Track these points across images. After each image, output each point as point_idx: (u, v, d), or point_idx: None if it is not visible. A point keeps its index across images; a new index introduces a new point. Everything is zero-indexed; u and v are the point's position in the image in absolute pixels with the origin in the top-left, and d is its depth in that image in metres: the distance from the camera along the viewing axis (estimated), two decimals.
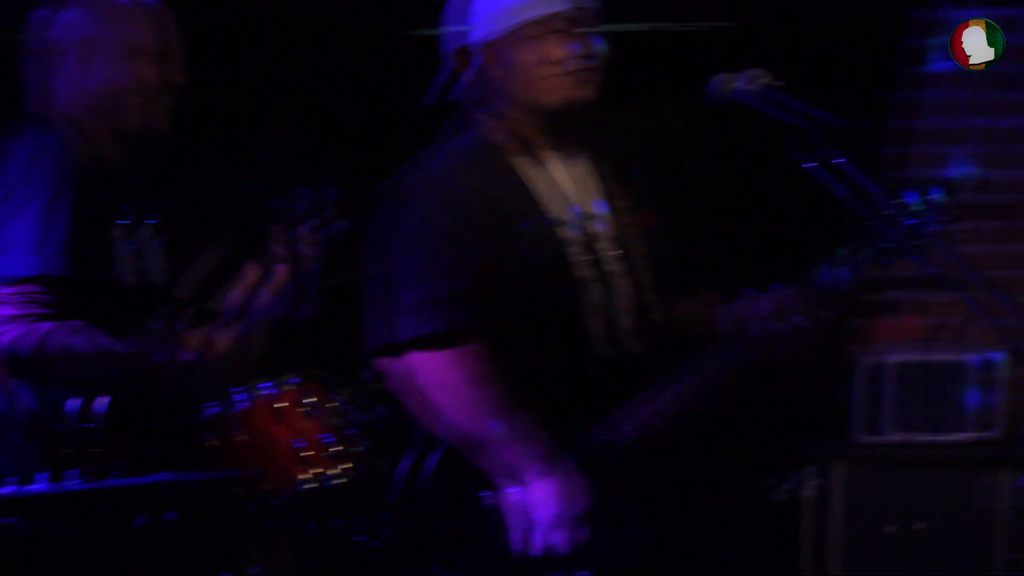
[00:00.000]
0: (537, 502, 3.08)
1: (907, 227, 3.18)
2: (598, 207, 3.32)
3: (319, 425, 3.50)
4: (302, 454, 3.46)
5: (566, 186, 3.29)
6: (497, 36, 3.20)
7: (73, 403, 2.87)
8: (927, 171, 5.14)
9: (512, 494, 3.09)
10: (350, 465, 3.50)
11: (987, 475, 4.94)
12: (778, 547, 5.04)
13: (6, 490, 2.76)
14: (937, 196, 3.27)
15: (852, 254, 3.17)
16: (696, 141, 5.07)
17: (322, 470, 3.47)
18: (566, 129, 3.28)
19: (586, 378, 3.21)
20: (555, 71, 3.19)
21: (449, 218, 3.14)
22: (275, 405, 3.47)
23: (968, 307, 3.18)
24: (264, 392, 3.47)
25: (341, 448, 3.50)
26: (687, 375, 3.20)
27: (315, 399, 3.52)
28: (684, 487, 3.39)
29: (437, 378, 3.12)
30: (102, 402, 2.88)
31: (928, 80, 5.20)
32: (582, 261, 3.24)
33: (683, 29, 5.11)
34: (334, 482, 3.47)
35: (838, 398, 5.19)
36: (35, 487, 2.79)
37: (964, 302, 3.20)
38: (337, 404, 3.55)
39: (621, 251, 3.30)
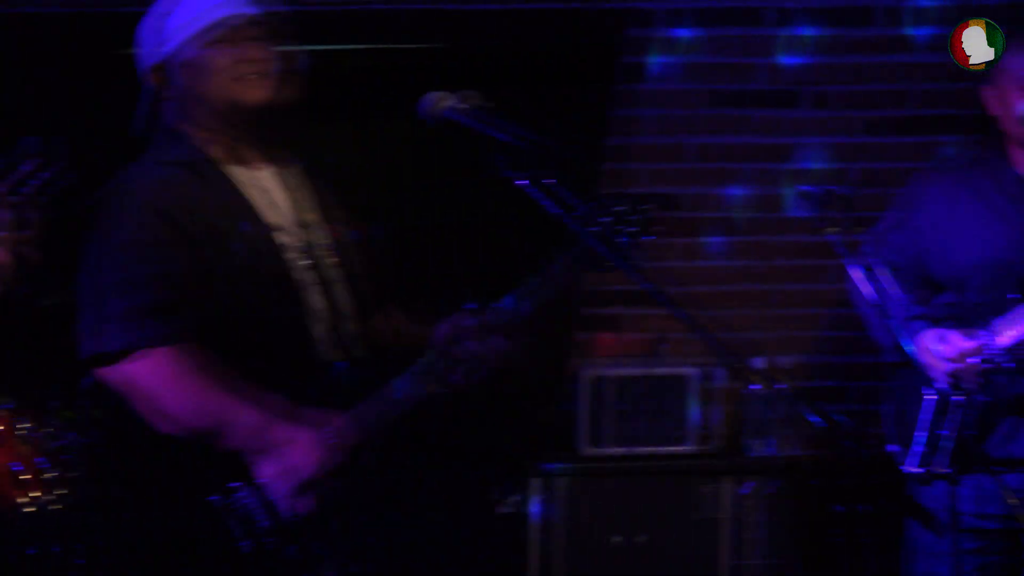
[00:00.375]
0: (277, 475, 3.14)
1: (616, 243, 3.34)
2: (311, 216, 3.41)
3: (35, 449, 3.47)
4: (21, 477, 3.43)
5: (279, 195, 3.35)
6: (182, 47, 3.26)
7: None
8: (644, 188, 5.28)
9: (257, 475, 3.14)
10: (66, 491, 3.48)
11: (710, 485, 5.10)
12: (506, 560, 5.11)
13: None
14: (645, 212, 3.43)
15: (536, 284, 3.31)
16: (410, 158, 5.11)
17: (39, 494, 3.44)
18: (275, 139, 3.35)
19: (306, 383, 3.26)
20: (229, 76, 3.24)
21: (155, 227, 3.15)
22: None
23: (684, 322, 3.34)
24: None
25: (57, 473, 3.48)
26: (391, 390, 3.30)
27: (30, 424, 3.49)
28: (405, 499, 3.49)
29: (153, 382, 3.13)
30: None
31: (644, 97, 5.29)
32: (298, 268, 3.30)
33: (402, 48, 5.16)
34: (51, 507, 3.45)
35: (562, 411, 5.28)
36: None
37: (679, 317, 3.36)
38: (52, 429, 3.53)
39: (334, 259, 3.39)
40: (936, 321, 4.02)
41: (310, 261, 3.33)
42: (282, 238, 3.31)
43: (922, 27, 5.23)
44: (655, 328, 5.30)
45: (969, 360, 4.04)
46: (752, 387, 5.20)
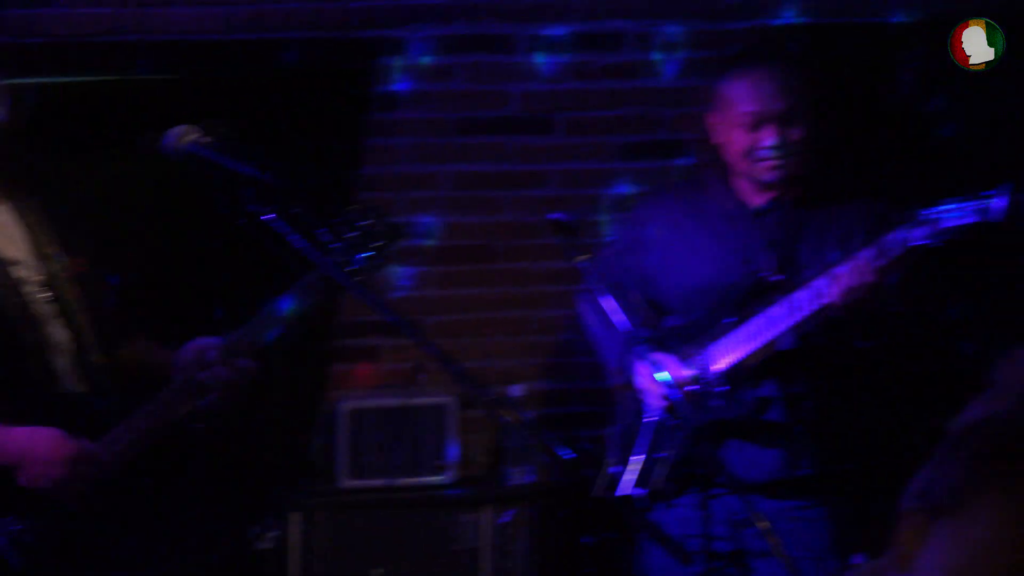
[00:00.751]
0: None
1: (357, 272, 3.40)
2: (51, 249, 3.39)
3: None
4: None
5: (16, 229, 3.35)
6: None
7: None
8: (401, 217, 5.28)
9: None
10: None
11: (470, 514, 5.14)
12: None
13: None
14: (392, 226, 3.50)
15: (278, 308, 3.34)
16: (151, 192, 5.06)
17: None
18: (11, 173, 3.33)
19: (51, 415, 3.29)
20: None
21: None
22: None
23: (435, 352, 3.40)
24: None
25: None
26: (138, 418, 3.31)
27: None
28: (160, 533, 3.47)
29: None
30: None
31: (398, 126, 5.32)
32: (37, 301, 3.31)
33: (146, 80, 5.11)
34: None
35: (321, 444, 5.29)
36: None
37: (428, 348, 3.41)
38: None
39: (77, 292, 3.37)
40: (659, 344, 4.09)
41: (50, 294, 3.32)
42: (19, 272, 3.29)
43: (672, 52, 5.32)
44: (413, 358, 5.29)
45: (685, 385, 4.11)
46: (519, 413, 5.25)
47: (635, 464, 4.23)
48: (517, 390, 5.35)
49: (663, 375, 4.18)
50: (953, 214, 4.04)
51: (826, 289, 4.11)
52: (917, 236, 4.07)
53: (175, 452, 3.49)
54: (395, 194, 5.36)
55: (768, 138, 4.29)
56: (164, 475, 3.54)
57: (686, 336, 4.36)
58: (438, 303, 5.47)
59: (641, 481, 4.19)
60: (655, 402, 4.30)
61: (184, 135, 3.26)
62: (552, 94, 5.35)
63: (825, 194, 4.43)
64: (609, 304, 4.48)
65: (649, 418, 4.36)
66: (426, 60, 5.24)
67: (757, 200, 4.41)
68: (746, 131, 4.31)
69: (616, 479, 4.44)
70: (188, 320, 3.56)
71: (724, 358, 4.30)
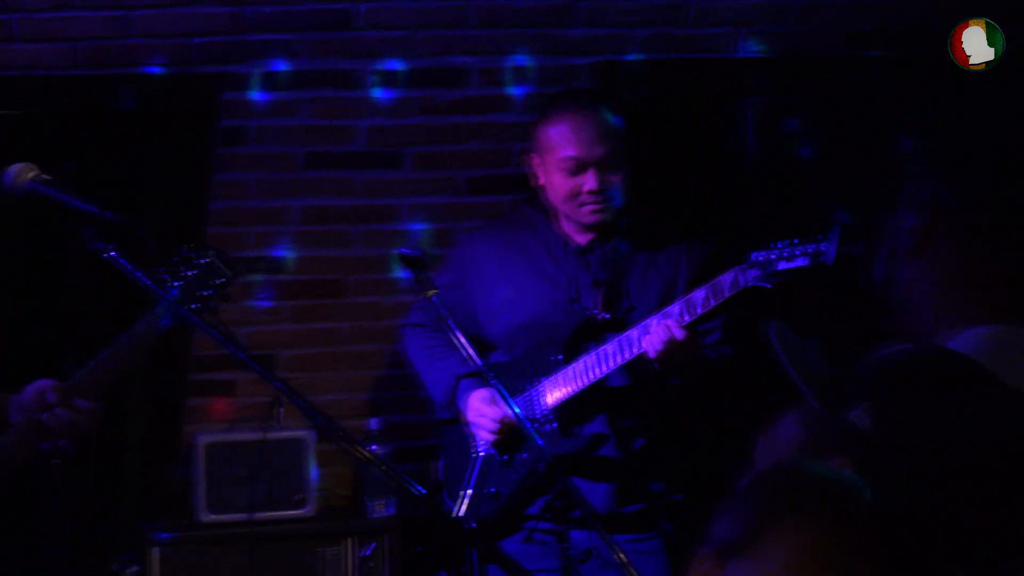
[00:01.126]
0: None
1: (201, 308, 3.46)
2: None
3: None
4: None
5: None
6: None
7: None
8: (251, 251, 5.33)
9: None
10: None
11: (332, 547, 5.15)
12: None
13: None
14: (229, 262, 3.57)
15: (118, 347, 3.40)
16: None
17: None
18: None
19: None
20: None
21: None
22: None
23: (283, 388, 3.45)
24: None
25: None
26: None
27: None
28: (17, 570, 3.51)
29: None
30: None
31: (245, 161, 5.33)
32: None
33: None
34: None
35: (179, 479, 5.29)
36: None
37: (275, 384, 3.47)
38: None
39: None
40: (485, 381, 4.11)
41: None
42: None
43: (519, 86, 5.38)
44: (271, 392, 5.23)
45: (511, 422, 4.16)
46: (370, 448, 5.27)
47: (462, 499, 4.28)
48: (375, 423, 5.38)
49: (492, 411, 4.31)
50: (785, 256, 4.17)
51: (649, 335, 4.21)
52: (750, 277, 4.19)
53: (32, 489, 3.51)
54: (244, 229, 5.37)
55: (589, 183, 4.37)
56: (21, 512, 3.56)
57: (515, 372, 4.43)
58: (293, 337, 5.50)
59: (471, 514, 4.23)
60: (486, 436, 4.38)
61: (22, 172, 3.27)
62: (399, 129, 5.38)
63: (651, 233, 4.50)
64: (436, 340, 4.57)
65: (477, 453, 4.45)
66: (271, 95, 5.26)
67: (581, 238, 4.49)
68: (567, 176, 4.39)
69: (449, 512, 4.51)
70: (29, 361, 3.56)
71: (554, 394, 4.39)
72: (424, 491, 3.18)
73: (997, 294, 2.33)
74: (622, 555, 3.65)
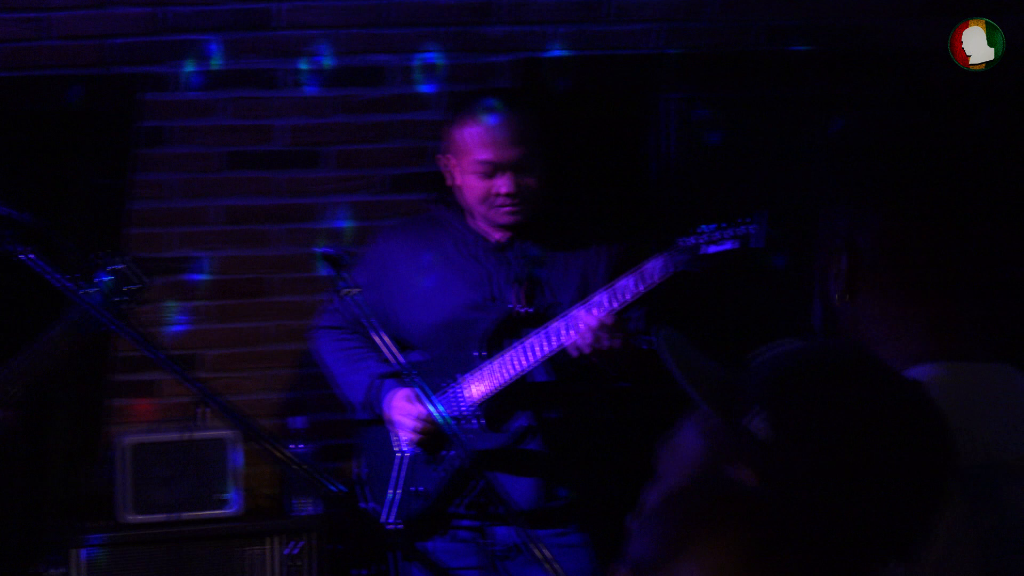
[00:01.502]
0: None
1: (117, 310, 3.49)
2: None
3: None
4: None
5: None
6: None
7: None
8: (174, 252, 5.37)
9: None
10: None
11: (256, 547, 5.18)
12: None
13: None
14: (142, 271, 3.60)
15: (33, 350, 3.43)
16: None
17: None
18: None
19: None
20: None
21: None
22: None
23: (201, 388, 3.48)
24: None
25: None
26: None
27: None
28: None
29: None
30: None
31: (166, 161, 5.34)
32: None
33: None
34: None
35: (102, 480, 5.30)
36: None
37: (193, 384, 3.50)
38: None
39: None
40: (409, 380, 4.13)
41: None
42: None
43: (440, 84, 5.41)
44: (193, 392, 5.29)
45: (434, 419, 4.14)
46: (292, 447, 5.26)
47: (389, 499, 4.32)
48: (299, 422, 5.40)
49: (415, 409, 4.32)
50: (712, 240, 4.21)
51: (576, 325, 4.25)
52: (678, 262, 4.23)
53: None
54: (166, 229, 5.40)
55: (503, 186, 4.39)
56: None
57: (436, 370, 4.44)
58: (217, 336, 5.52)
59: (397, 514, 4.28)
60: (408, 436, 4.40)
61: None
62: (320, 127, 5.41)
63: (570, 229, 4.53)
64: (351, 341, 4.60)
65: (401, 452, 4.47)
66: (191, 96, 5.27)
67: (498, 236, 4.51)
68: (481, 178, 4.41)
69: (373, 513, 4.56)
70: None
71: (478, 390, 4.41)
72: (344, 489, 3.22)
73: (937, 328, 2.21)
74: (544, 551, 3.69)
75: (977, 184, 2.28)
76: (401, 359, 3.91)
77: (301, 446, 5.31)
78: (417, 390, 4.16)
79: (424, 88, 5.43)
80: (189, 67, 5.24)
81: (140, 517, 5.21)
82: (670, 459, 1.93)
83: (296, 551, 5.19)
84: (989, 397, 2.17)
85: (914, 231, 2.21)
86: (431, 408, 4.04)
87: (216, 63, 5.24)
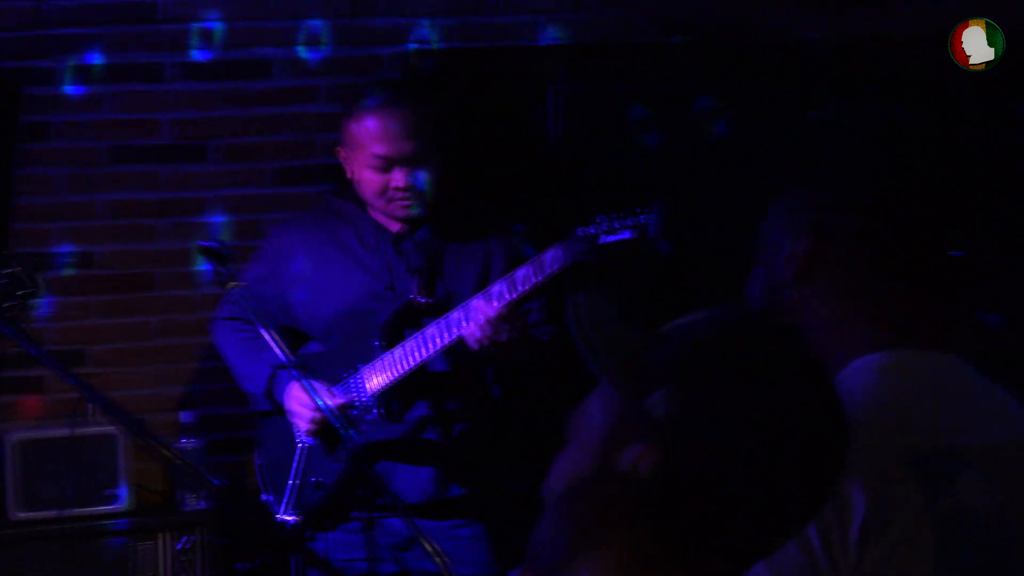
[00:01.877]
0: None
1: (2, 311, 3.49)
2: None
3: None
4: None
5: None
6: None
7: None
8: (58, 246, 5.35)
9: None
10: None
11: (146, 542, 5.18)
12: None
13: None
14: (38, 271, 3.60)
15: None
16: None
17: None
18: None
19: None
20: None
21: None
22: None
23: (82, 385, 3.49)
24: None
25: None
26: None
27: None
28: None
29: None
30: None
31: (50, 156, 5.33)
32: None
33: None
34: None
35: None
36: None
37: (73, 380, 3.50)
38: None
39: None
40: (307, 370, 4.16)
41: None
42: None
43: (324, 77, 5.44)
44: (74, 388, 5.20)
45: (336, 409, 4.17)
46: (183, 442, 5.30)
47: (287, 490, 4.35)
48: (187, 416, 5.41)
49: (313, 400, 4.28)
50: (607, 230, 4.26)
51: (475, 316, 4.27)
52: (574, 252, 4.26)
53: None
54: (50, 224, 5.38)
55: (397, 180, 4.43)
56: None
57: (334, 361, 4.48)
58: (104, 331, 5.51)
59: (294, 506, 4.31)
60: (305, 427, 4.42)
61: None
62: (204, 121, 5.41)
63: (464, 220, 4.58)
64: (249, 332, 4.61)
65: (300, 443, 4.49)
66: (75, 90, 5.25)
67: (394, 227, 4.54)
68: (375, 172, 4.45)
69: (269, 506, 4.59)
70: None
71: (376, 380, 4.43)
72: (227, 483, 3.24)
73: (891, 316, 2.23)
74: (433, 543, 3.73)
75: (949, 179, 2.30)
76: (283, 356, 3.94)
77: (192, 440, 5.32)
78: (315, 381, 4.18)
79: (308, 81, 5.45)
80: (73, 61, 5.22)
81: (27, 514, 5.18)
82: (576, 434, 1.86)
83: (189, 546, 5.20)
84: (942, 385, 2.21)
85: (890, 222, 2.26)
86: (317, 400, 4.05)
87: (101, 57, 5.23)
